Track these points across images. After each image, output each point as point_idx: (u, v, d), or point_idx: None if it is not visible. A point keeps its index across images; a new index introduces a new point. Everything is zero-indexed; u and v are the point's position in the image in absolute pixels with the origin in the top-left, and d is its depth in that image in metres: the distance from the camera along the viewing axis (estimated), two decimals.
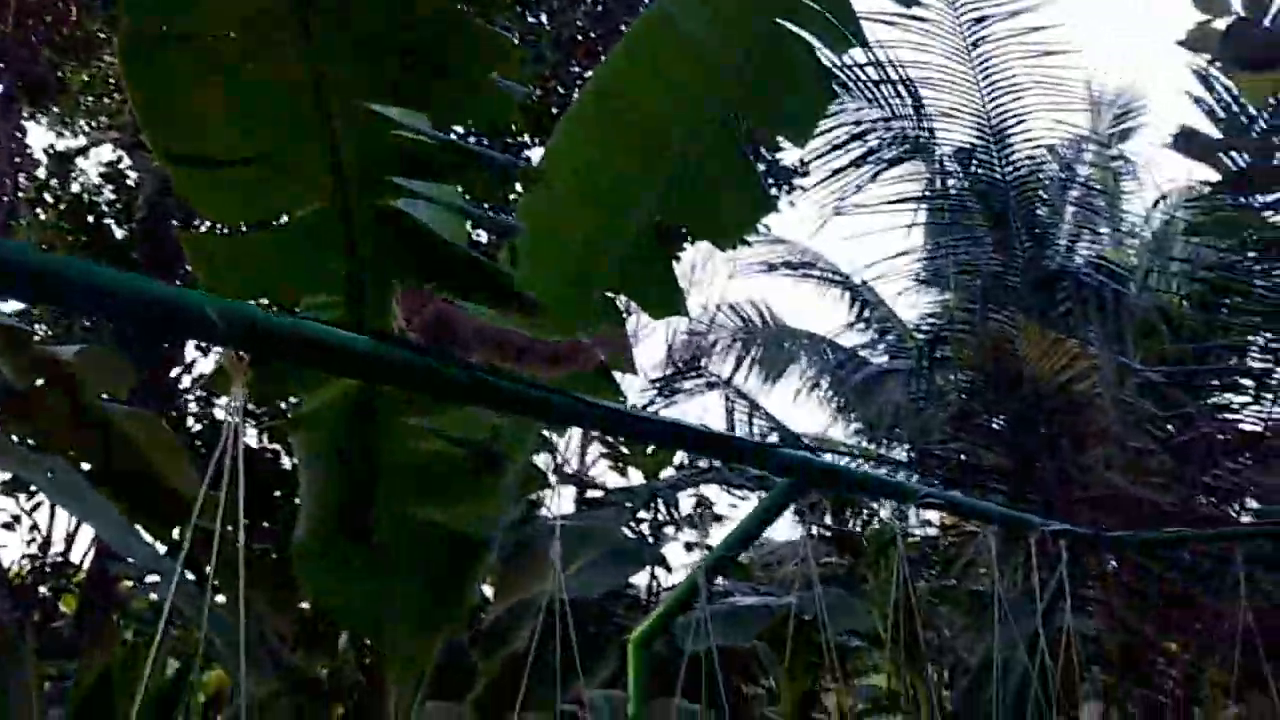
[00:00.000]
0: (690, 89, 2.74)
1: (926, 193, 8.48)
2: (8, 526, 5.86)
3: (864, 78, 7.60)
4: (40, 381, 2.45)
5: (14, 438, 3.35)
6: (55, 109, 7.81)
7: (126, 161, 7.40)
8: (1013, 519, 2.27)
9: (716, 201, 3.18)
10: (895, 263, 8.30)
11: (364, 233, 2.04)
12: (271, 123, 1.91)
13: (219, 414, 6.58)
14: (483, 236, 6.24)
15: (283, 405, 6.24)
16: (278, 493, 6.05)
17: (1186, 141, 4.46)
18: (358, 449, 2.64)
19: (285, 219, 2.05)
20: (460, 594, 2.98)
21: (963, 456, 6.54)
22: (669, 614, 2.13)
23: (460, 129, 2.16)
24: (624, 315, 3.28)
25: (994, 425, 6.66)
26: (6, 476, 5.56)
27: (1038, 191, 8.24)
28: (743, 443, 1.53)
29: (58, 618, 5.99)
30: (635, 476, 6.52)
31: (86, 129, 8.25)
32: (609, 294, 3.06)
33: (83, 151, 7.97)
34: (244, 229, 2.24)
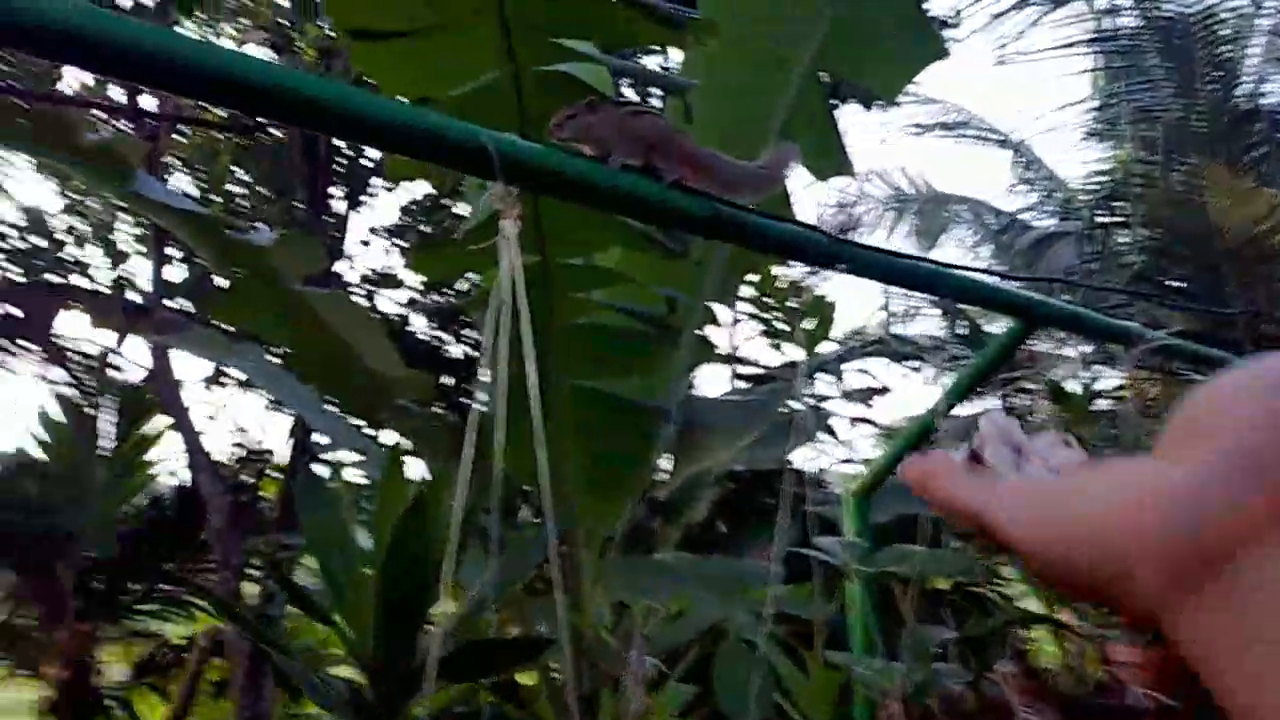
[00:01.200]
0: None
1: (1095, 35, 7.80)
2: (210, 418, 6.36)
3: None
4: (242, 269, 2.55)
5: (215, 326, 3.56)
6: (202, 13, 8.04)
7: (275, 61, 7.59)
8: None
9: (881, 46, 3.00)
10: (1061, 117, 7.75)
11: (533, 96, 2.02)
12: None
13: (381, 304, 6.85)
14: None
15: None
16: (447, 379, 6.30)
17: None
18: (536, 323, 2.68)
19: (460, 89, 2.04)
20: (639, 463, 3.04)
21: (1143, 320, 6.16)
22: (890, 464, 2.10)
23: None
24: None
25: (1178, 285, 6.23)
26: (210, 370, 6.00)
27: (1222, 25, 7.46)
28: (978, 286, 1.45)
29: (259, 501, 6.52)
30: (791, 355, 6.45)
31: (234, 32, 8.48)
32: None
33: None
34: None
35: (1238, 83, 7.37)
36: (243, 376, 5.80)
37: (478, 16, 1.91)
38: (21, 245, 6.17)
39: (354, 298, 7.11)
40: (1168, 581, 0.32)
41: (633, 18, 1.92)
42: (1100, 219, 7.31)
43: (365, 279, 6.86)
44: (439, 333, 6.62)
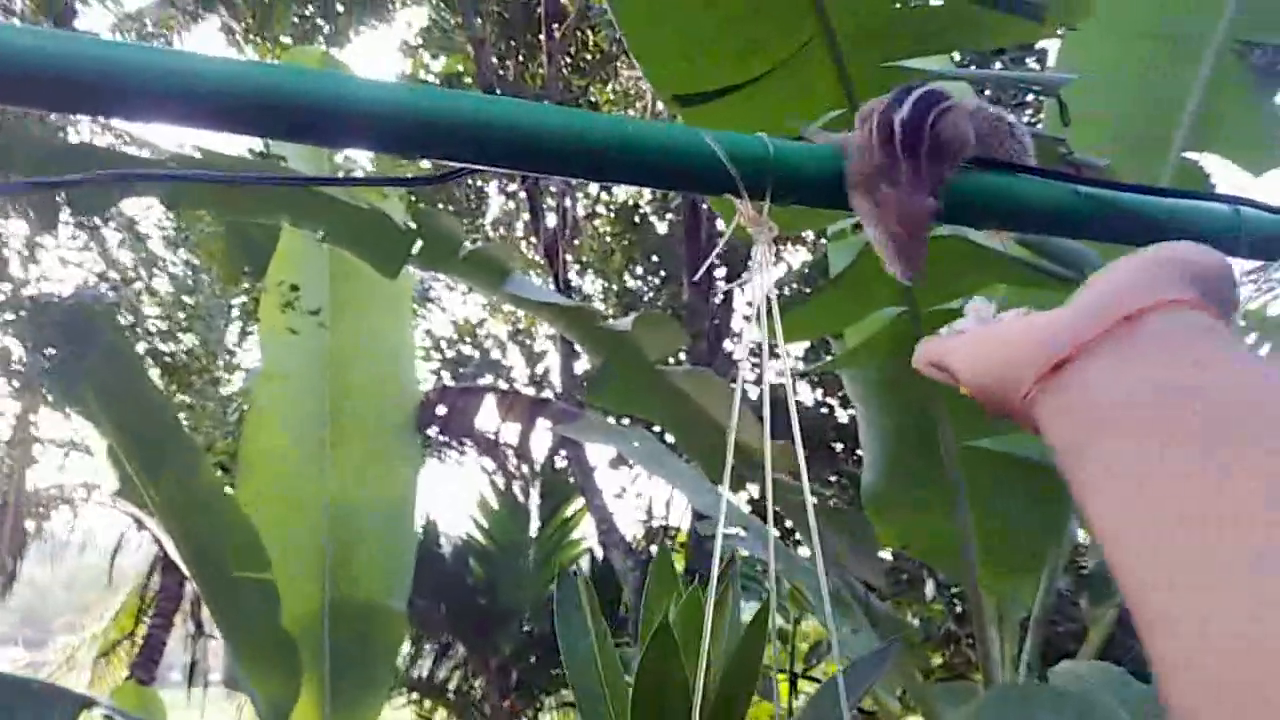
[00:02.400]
0: None
1: None
2: (617, 496, 6.72)
3: None
4: (610, 354, 2.60)
5: (602, 413, 3.71)
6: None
7: None
8: None
9: None
10: None
11: None
12: (768, 34, 1.77)
13: (772, 377, 6.85)
14: None
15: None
16: (839, 445, 6.11)
17: None
18: (910, 381, 2.43)
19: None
20: (1052, 531, 2.61)
21: None
22: None
23: None
24: (1207, 177, 2.63)
25: None
26: (613, 453, 6.37)
27: None
28: None
29: None
30: None
31: None
32: (1184, 153, 2.47)
33: None
34: None
35: None
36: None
37: (808, 51, 1.77)
38: (450, 353, 7.08)
39: (746, 372, 7.19)
40: (1033, 380, 0.41)
41: (974, 19, 1.66)
42: None
43: (751, 352, 6.92)
44: (828, 399, 6.47)
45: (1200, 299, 0.40)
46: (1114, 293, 0.40)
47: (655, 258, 8.05)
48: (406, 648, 6.07)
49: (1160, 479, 0.34)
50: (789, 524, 5.01)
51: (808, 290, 6.53)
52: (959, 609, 4.06)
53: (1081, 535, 3.12)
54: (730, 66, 1.79)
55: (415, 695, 5.95)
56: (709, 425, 2.67)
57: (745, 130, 1.95)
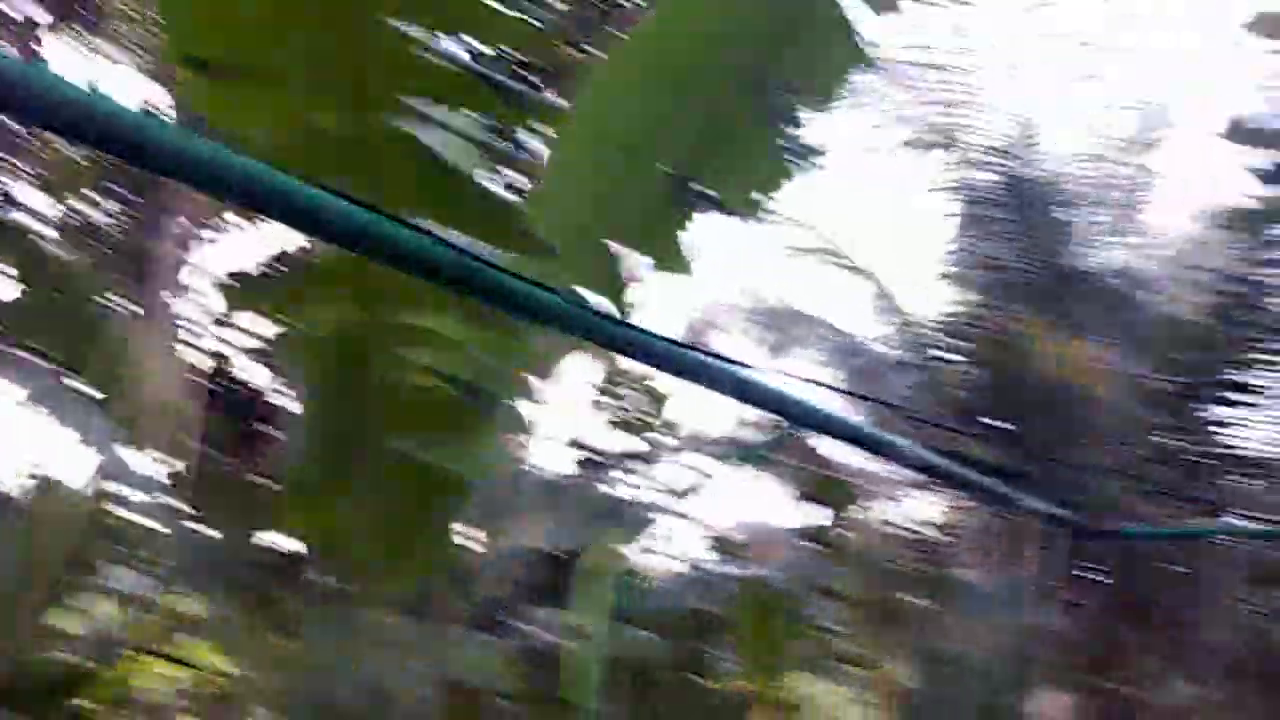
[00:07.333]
0: (722, 36, 2.65)
1: (955, 184, 8.38)
2: None
3: (904, 61, 7.60)
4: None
5: None
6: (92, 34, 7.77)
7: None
8: (1042, 512, 2.23)
9: (737, 160, 3.09)
10: (914, 254, 8.19)
11: (383, 156, 2.00)
12: (299, 33, 1.85)
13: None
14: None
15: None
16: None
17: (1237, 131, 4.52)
18: (349, 378, 2.61)
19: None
20: (433, 532, 2.96)
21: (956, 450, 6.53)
22: None
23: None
24: (625, 276, 3.21)
25: (993, 421, 6.64)
26: None
27: (1063, 192, 8.16)
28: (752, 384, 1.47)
29: None
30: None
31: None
32: (616, 244, 2.99)
33: None
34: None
35: (1073, 246, 8.03)
36: None
37: (329, 65, 1.87)
38: None
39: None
40: None
41: (480, 91, 1.95)
42: (936, 353, 7.74)
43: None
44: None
45: None
46: None
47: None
48: None
49: None
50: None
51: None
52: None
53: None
54: (253, 50, 1.83)
55: None
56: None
57: (247, 110, 1.97)
